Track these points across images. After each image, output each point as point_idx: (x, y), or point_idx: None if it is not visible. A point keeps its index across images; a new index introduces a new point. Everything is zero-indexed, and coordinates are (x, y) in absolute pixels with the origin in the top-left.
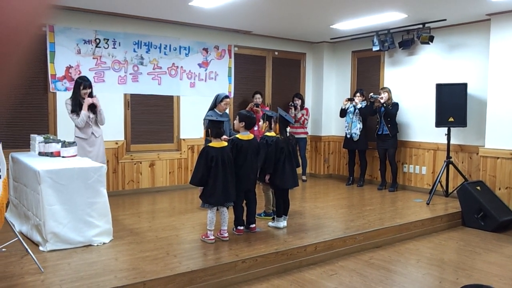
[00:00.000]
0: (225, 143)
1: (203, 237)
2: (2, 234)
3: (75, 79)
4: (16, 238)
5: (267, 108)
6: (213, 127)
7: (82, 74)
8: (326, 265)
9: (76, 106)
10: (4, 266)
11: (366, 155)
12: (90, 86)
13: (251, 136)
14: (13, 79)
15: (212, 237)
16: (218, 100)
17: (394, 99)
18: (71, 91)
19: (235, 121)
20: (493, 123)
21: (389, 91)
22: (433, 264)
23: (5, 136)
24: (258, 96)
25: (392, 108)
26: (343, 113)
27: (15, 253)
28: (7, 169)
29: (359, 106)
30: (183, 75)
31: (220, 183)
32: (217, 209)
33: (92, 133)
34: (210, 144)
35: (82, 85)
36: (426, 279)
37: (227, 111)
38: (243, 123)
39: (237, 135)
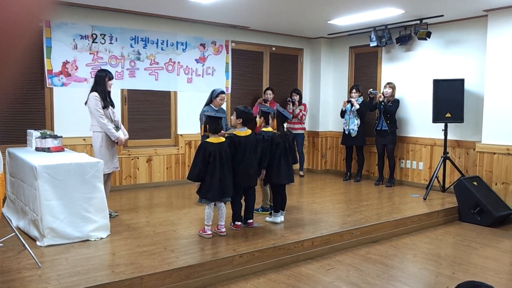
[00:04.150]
0: (223, 139)
1: (201, 232)
2: None
3: (95, 73)
4: (13, 233)
5: (275, 105)
6: (211, 122)
7: (79, 70)
8: (323, 260)
9: (105, 100)
10: (1, 261)
11: (363, 151)
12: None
13: (248, 131)
14: (14, 75)
15: (210, 232)
16: (214, 95)
17: None
18: (68, 85)
19: (232, 117)
20: (489, 118)
21: (394, 87)
22: (430, 258)
23: (2, 131)
24: (269, 92)
25: (392, 106)
26: (343, 114)
27: (12, 248)
28: (4, 164)
29: (357, 107)
30: (180, 70)
31: (217, 179)
32: (215, 204)
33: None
34: (208, 140)
35: (107, 76)
36: (422, 274)
37: (223, 106)
38: (241, 120)
39: (234, 131)
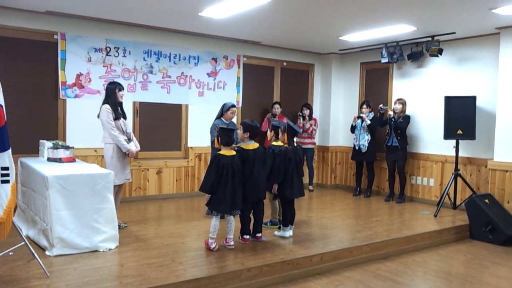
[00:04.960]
0: (234, 152)
1: (206, 245)
2: (10, 238)
3: (105, 85)
4: (23, 243)
5: (285, 119)
6: (224, 135)
7: (92, 82)
8: (332, 276)
9: (117, 112)
10: (10, 270)
11: (373, 166)
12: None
13: (256, 145)
14: None
15: (214, 245)
16: (224, 109)
17: None
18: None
19: (238, 131)
20: (502, 136)
21: (404, 103)
22: (440, 276)
23: (14, 141)
24: (277, 106)
25: (402, 122)
26: (353, 129)
27: (21, 257)
28: (16, 174)
29: (368, 123)
30: (192, 84)
31: (229, 191)
32: (222, 217)
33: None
34: (221, 152)
35: (117, 88)
36: None
37: (234, 120)
38: (248, 133)
39: (242, 145)
